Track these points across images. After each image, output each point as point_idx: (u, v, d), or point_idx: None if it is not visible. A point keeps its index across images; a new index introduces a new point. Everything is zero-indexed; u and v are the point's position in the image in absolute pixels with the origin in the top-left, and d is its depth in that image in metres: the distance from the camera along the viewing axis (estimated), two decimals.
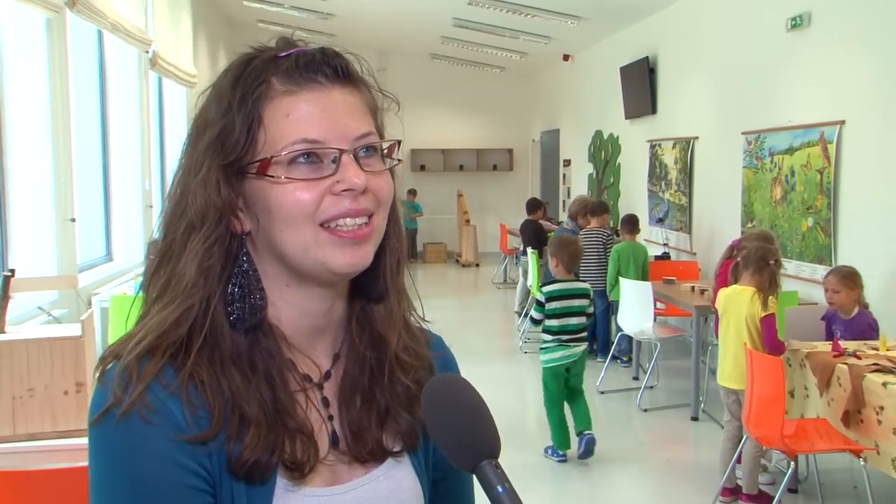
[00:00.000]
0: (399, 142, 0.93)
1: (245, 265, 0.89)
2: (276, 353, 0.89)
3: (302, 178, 0.85)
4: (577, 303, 4.86)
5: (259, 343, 0.88)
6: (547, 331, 4.87)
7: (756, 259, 4.12)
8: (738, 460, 4.20)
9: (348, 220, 0.86)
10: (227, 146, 0.86)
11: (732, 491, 4.25)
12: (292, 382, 0.90)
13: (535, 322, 4.96)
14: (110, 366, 0.85)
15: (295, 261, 0.87)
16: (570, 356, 4.84)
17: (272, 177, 0.85)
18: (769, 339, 4.05)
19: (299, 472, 0.86)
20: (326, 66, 0.88)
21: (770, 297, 4.08)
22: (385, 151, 0.91)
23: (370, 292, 0.95)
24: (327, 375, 0.94)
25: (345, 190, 0.85)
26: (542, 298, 4.83)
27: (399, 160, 0.93)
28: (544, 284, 4.95)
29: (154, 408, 0.81)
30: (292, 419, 0.87)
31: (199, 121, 0.89)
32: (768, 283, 4.10)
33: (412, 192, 14.35)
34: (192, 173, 0.87)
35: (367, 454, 0.92)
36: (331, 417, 0.92)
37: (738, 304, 4.17)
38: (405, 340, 0.98)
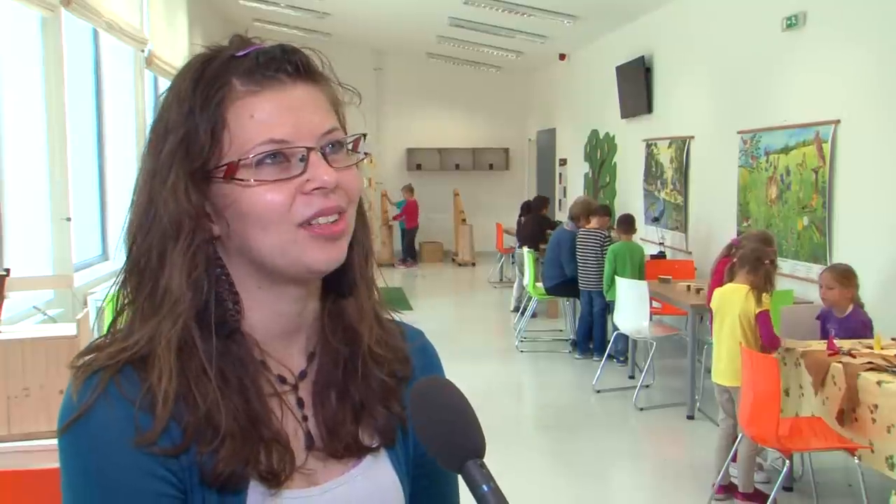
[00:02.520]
0: (364, 135, 0.91)
1: (218, 270, 0.87)
2: (249, 361, 0.87)
3: (271, 180, 0.83)
4: None
5: (230, 351, 0.86)
6: None
7: (752, 259, 4.15)
8: (734, 459, 4.21)
9: (321, 218, 0.85)
10: (192, 151, 0.84)
11: (728, 489, 4.26)
12: (266, 386, 0.88)
13: None
14: (86, 375, 0.84)
15: (270, 262, 0.86)
16: None
17: (241, 180, 0.83)
18: (766, 334, 4.08)
19: (275, 480, 0.85)
20: (287, 63, 0.86)
21: (764, 294, 4.11)
22: (350, 146, 0.90)
23: (340, 287, 0.94)
24: (303, 375, 0.93)
25: (316, 188, 0.84)
26: None
27: (366, 154, 0.92)
28: None
29: (125, 419, 0.81)
30: (267, 428, 0.85)
31: (159, 125, 0.87)
32: (763, 281, 4.13)
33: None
34: (158, 180, 0.85)
35: (343, 450, 0.91)
36: (305, 418, 0.91)
37: (732, 301, 4.19)
38: (378, 333, 0.96)
